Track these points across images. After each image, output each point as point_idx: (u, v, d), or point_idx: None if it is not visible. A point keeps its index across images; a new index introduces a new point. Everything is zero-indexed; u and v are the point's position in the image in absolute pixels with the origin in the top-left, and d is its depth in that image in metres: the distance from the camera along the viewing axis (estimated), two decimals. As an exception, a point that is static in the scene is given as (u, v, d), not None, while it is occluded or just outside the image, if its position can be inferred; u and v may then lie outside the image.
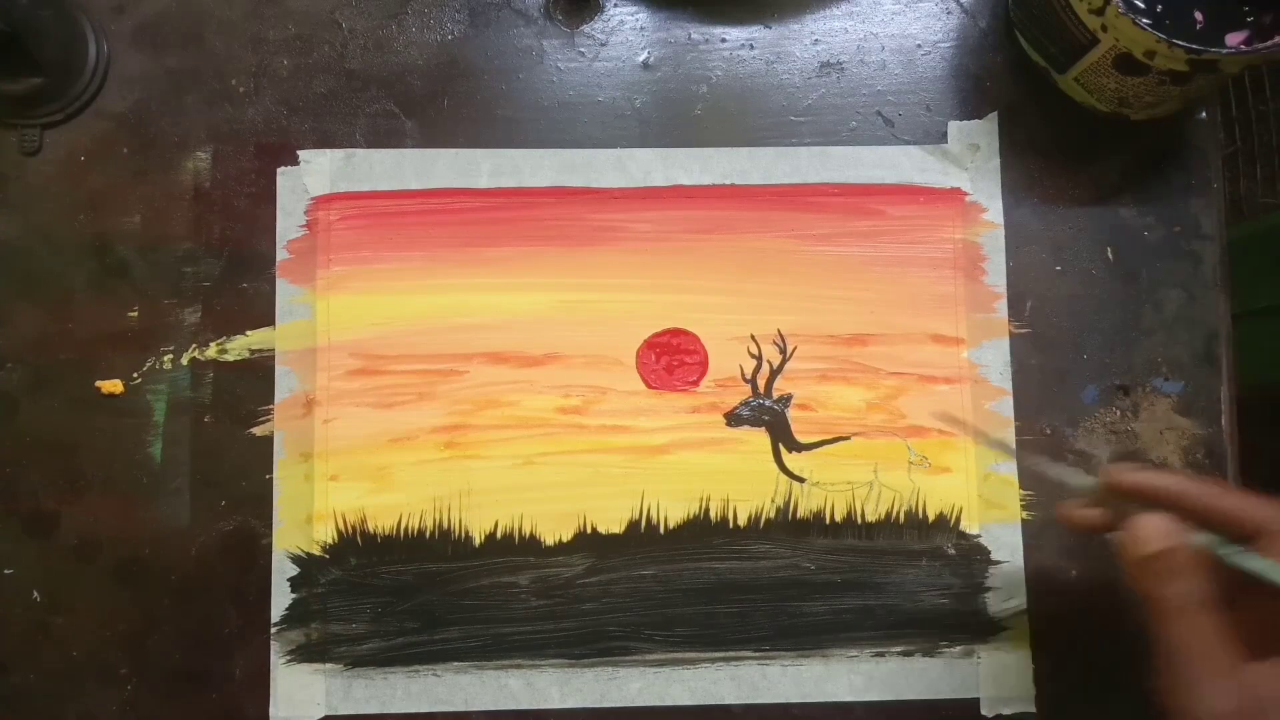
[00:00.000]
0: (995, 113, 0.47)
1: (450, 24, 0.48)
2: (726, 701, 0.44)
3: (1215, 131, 0.48)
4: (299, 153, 0.46)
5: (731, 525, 0.45)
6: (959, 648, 0.45)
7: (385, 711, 0.44)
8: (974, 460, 0.46)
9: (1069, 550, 0.45)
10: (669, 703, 0.44)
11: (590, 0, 0.48)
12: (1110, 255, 0.47)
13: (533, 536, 0.45)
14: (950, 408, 0.45)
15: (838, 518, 0.45)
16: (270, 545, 0.44)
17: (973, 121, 0.47)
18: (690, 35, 0.48)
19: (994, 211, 0.47)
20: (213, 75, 0.47)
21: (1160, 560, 0.34)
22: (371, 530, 0.45)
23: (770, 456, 0.45)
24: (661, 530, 0.45)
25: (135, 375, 0.45)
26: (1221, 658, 0.32)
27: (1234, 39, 0.43)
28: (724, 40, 0.48)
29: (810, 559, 0.45)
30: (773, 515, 0.45)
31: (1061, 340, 0.47)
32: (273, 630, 0.44)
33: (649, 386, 0.46)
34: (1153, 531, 0.34)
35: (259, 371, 0.45)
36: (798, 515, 0.45)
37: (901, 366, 0.46)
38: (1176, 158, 0.48)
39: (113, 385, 0.45)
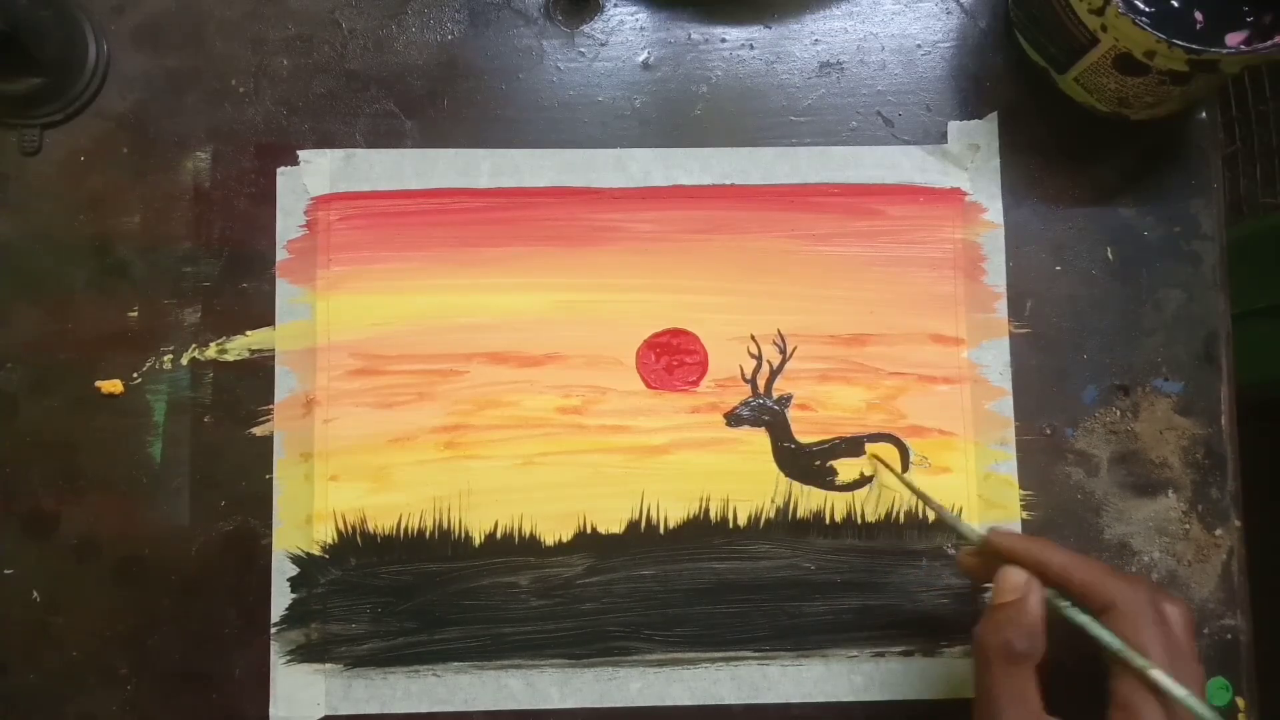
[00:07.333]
0: (995, 113, 0.47)
1: (450, 24, 0.48)
2: (726, 701, 0.44)
3: (1215, 131, 0.48)
4: (299, 153, 0.46)
5: (731, 525, 0.45)
6: (959, 648, 0.45)
7: (385, 711, 0.44)
8: (974, 460, 0.46)
9: (1069, 550, 0.45)
10: (669, 703, 0.44)
11: (590, 0, 0.48)
12: (1110, 255, 0.47)
13: (533, 536, 0.45)
14: (884, 455, 0.46)
15: (838, 518, 0.45)
16: (270, 545, 0.44)
17: (973, 121, 0.47)
18: (690, 35, 0.48)
19: (994, 211, 0.47)
20: (213, 75, 0.47)
21: (1007, 609, 0.36)
22: (371, 530, 0.45)
23: (770, 456, 0.45)
24: (661, 530, 0.45)
25: (135, 375, 0.45)
26: (1033, 709, 0.34)
27: (1234, 39, 0.43)
28: (724, 40, 0.48)
29: (810, 559, 0.45)
30: (773, 515, 0.45)
31: (1061, 340, 0.47)
32: (273, 630, 0.44)
33: (649, 386, 0.46)
34: (1009, 584, 0.36)
35: (259, 371, 0.45)
36: (798, 515, 0.45)
37: (901, 366, 0.46)
38: (1176, 158, 0.48)
39: (113, 385, 0.45)
